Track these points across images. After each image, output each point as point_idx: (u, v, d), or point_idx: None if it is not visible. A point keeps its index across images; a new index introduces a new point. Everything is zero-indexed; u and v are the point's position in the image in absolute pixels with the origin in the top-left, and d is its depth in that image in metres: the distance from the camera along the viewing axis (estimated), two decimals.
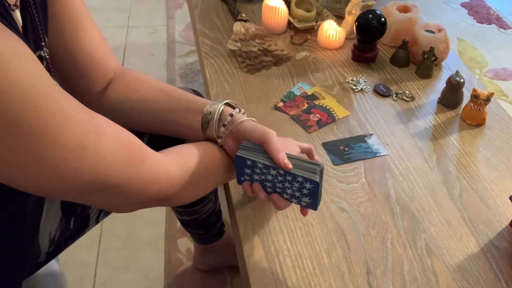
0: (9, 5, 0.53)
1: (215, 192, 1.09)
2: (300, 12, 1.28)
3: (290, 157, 0.65)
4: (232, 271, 1.31)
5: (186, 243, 1.37)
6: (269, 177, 0.66)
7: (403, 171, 0.91)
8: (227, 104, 0.73)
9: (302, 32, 1.29)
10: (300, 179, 0.64)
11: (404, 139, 0.98)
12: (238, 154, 0.65)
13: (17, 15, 0.55)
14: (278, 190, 0.67)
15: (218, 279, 1.29)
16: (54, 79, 0.66)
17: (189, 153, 0.67)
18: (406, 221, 0.81)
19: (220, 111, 0.71)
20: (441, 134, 1.00)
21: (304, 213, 0.71)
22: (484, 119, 1.02)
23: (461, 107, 1.06)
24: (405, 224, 0.81)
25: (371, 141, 0.97)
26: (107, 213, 0.87)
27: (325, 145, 0.95)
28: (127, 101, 0.75)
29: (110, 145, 0.54)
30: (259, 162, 0.64)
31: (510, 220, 0.82)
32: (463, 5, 2.57)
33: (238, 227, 0.78)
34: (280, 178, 0.65)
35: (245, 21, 1.26)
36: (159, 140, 0.82)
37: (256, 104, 1.04)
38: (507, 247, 0.78)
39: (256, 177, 0.67)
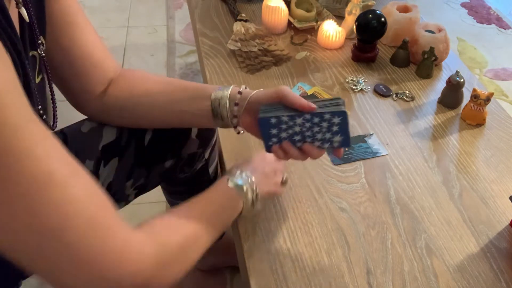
0: (16, 3, 0.54)
1: None
2: (300, 12, 1.28)
3: (309, 100, 0.65)
4: (232, 271, 1.31)
5: None
6: (297, 128, 0.65)
7: (403, 171, 0.91)
8: None
9: (302, 32, 1.29)
10: (327, 116, 0.64)
11: (404, 139, 0.98)
12: (260, 116, 0.65)
13: (23, 12, 0.55)
14: (308, 139, 0.67)
15: (218, 279, 1.29)
16: (49, 78, 0.65)
17: (166, 226, 0.59)
18: (406, 221, 0.81)
19: (229, 95, 0.71)
20: (441, 134, 1.00)
21: (339, 154, 0.69)
22: (484, 119, 1.02)
23: (461, 107, 1.06)
24: (405, 224, 0.81)
25: (371, 141, 0.97)
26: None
27: None
28: (132, 98, 0.75)
29: (81, 193, 0.46)
30: (283, 116, 0.64)
31: (510, 220, 0.82)
32: (463, 5, 2.57)
33: (238, 227, 0.78)
34: (308, 125, 0.65)
35: (245, 21, 1.26)
36: (161, 138, 0.82)
37: None
38: (507, 247, 0.78)
39: (283, 134, 0.67)
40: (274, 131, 0.66)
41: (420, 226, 0.80)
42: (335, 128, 0.65)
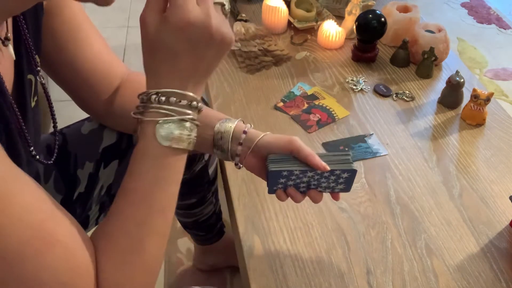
0: (3, 41, 0.51)
1: (215, 194, 1.09)
2: (300, 12, 1.28)
3: (320, 156, 0.66)
4: (232, 271, 1.31)
5: (186, 243, 1.37)
6: (305, 179, 0.66)
7: (403, 171, 0.91)
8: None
9: (302, 32, 1.29)
10: (337, 172, 0.65)
11: (404, 139, 0.98)
12: (272, 169, 0.65)
13: (10, 49, 0.53)
14: (312, 186, 0.68)
15: (218, 279, 1.29)
16: (51, 105, 0.63)
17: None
18: (406, 221, 0.81)
19: (232, 131, 0.69)
20: (441, 134, 1.00)
21: (336, 198, 0.70)
22: (484, 119, 1.02)
23: (461, 107, 1.06)
24: (405, 224, 0.81)
25: (371, 141, 0.97)
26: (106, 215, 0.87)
27: (325, 145, 0.95)
28: None
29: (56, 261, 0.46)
30: (296, 170, 0.65)
31: (510, 220, 0.81)
32: (463, 5, 2.57)
33: (238, 227, 0.78)
34: (316, 177, 0.66)
35: (245, 21, 1.26)
36: None
37: (256, 104, 1.04)
38: (507, 247, 0.78)
39: (290, 182, 0.67)
40: (282, 180, 0.67)
41: (420, 226, 0.80)
42: (341, 180, 0.67)
